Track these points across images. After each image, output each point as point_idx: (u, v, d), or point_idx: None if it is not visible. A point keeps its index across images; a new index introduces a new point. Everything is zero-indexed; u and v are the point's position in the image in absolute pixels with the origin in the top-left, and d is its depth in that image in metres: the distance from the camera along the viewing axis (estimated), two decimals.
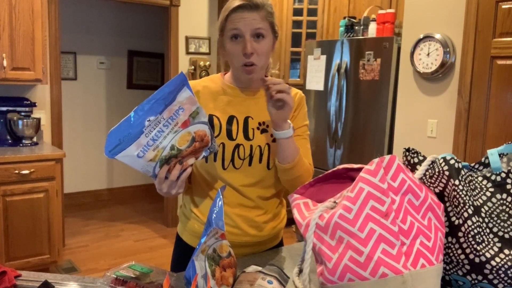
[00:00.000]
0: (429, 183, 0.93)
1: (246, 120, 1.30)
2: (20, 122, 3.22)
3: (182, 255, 1.37)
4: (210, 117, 1.30)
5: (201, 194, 1.34)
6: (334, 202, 0.89)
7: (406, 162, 1.00)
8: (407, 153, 1.00)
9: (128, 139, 1.01)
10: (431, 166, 0.94)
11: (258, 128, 1.30)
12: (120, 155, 1.02)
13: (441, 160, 0.90)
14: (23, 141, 3.28)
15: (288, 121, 1.23)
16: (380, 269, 0.79)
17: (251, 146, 1.28)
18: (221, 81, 1.35)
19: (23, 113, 3.28)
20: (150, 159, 1.06)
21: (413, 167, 0.99)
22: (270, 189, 1.34)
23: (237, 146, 1.28)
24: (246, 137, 1.29)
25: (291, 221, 2.41)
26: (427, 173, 0.94)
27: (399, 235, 0.81)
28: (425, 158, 0.98)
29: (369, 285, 0.80)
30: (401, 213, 0.83)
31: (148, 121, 1.01)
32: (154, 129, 1.03)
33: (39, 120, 3.32)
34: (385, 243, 0.80)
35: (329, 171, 0.99)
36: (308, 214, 0.90)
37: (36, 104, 3.41)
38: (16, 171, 2.92)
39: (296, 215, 0.93)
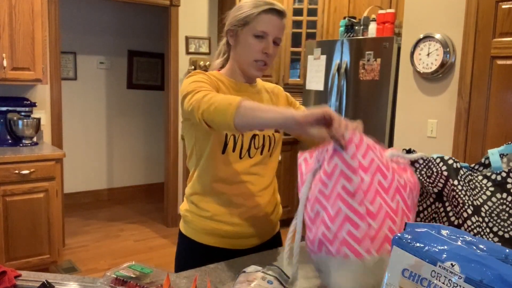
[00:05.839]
0: (427, 183, 0.93)
1: None
2: (20, 122, 3.22)
3: (188, 253, 1.41)
4: None
5: (213, 192, 1.37)
6: (318, 161, 0.93)
7: None
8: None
9: None
10: (425, 163, 0.94)
11: None
12: None
13: (439, 160, 0.90)
14: (23, 141, 3.28)
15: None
16: (342, 249, 0.81)
17: (264, 136, 1.37)
18: (224, 77, 1.39)
19: (23, 113, 3.28)
20: None
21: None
22: (269, 177, 1.42)
23: (254, 136, 1.35)
24: None
25: (291, 221, 2.40)
26: (423, 172, 0.94)
27: (366, 217, 0.81)
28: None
29: (335, 261, 0.83)
30: (370, 194, 0.83)
31: None
32: None
33: (39, 120, 3.32)
34: (350, 224, 0.81)
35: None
36: (306, 173, 0.96)
37: (36, 104, 3.41)
38: (16, 171, 2.92)
39: (299, 178, 0.99)
